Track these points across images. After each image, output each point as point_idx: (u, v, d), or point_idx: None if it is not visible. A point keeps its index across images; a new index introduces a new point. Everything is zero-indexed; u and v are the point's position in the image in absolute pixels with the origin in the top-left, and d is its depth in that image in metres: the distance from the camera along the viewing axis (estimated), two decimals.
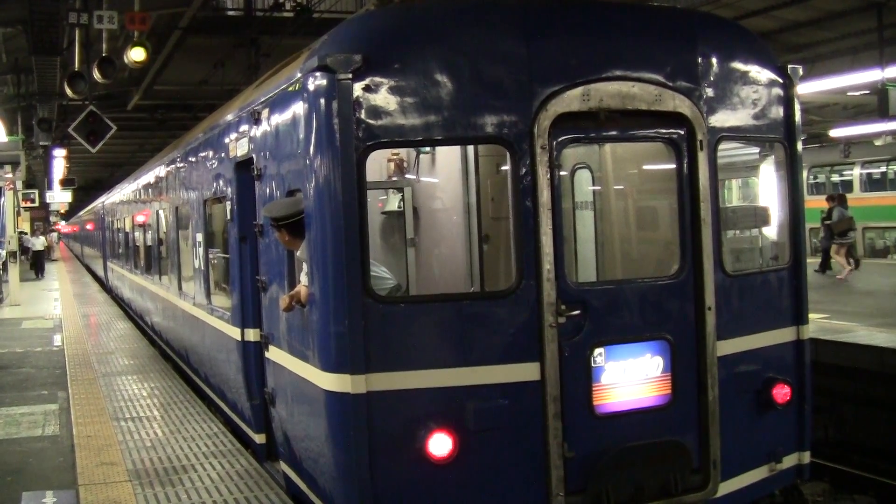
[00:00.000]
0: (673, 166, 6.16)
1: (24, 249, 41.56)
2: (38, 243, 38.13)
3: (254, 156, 7.28)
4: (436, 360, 5.60)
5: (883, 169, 30.00)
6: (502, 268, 7.21)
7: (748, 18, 17.81)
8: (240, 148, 7.79)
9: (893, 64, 18.43)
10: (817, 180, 31.84)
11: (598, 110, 5.77)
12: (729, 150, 6.86)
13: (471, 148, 7.55)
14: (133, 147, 38.17)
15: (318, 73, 5.57)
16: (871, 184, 29.86)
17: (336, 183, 5.47)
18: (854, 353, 11.63)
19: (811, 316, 7.09)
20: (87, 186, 55.31)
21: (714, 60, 6.28)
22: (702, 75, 6.18)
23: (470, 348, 5.64)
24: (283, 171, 6.51)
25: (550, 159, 5.67)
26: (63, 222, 75.17)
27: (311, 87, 5.70)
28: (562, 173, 6.06)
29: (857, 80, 19.80)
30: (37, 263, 37.33)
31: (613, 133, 6.12)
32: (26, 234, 41.29)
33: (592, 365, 5.78)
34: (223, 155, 8.54)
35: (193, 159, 10.42)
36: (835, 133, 26.80)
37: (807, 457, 6.78)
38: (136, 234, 17.45)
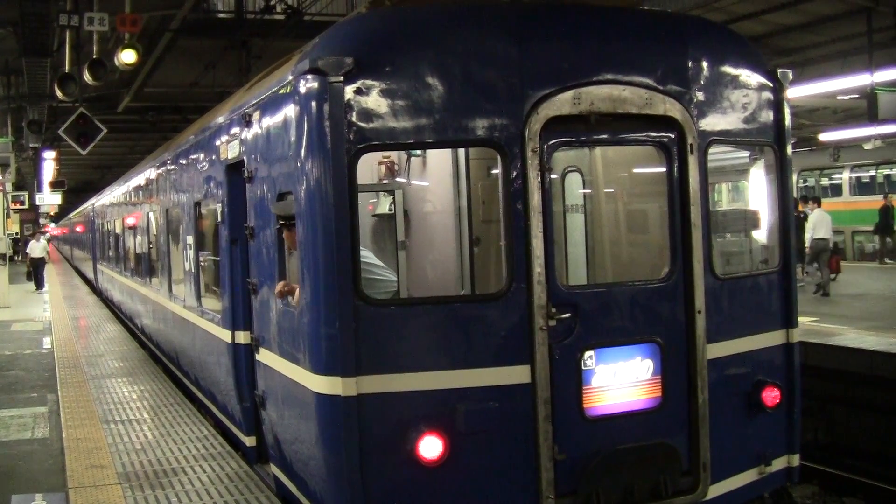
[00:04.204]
0: (663, 170, 6.18)
1: (17, 253, 40.30)
2: (38, 248, 31.49)
3: (245, 158, 7.27)
4: (426, 363, 5.60)
5: (872, 173, 30.15)
6: (493, 271, 7.22)
7: (738, 22, 17.92)
8: (230, 150, 7.78)
9: (883, 68, 18.55)
10: (807, 184, 31.97)
11: (588, 114, 5.78)
12: (719, 154, 6.89)
13: (462, 151, 7.56)
14: (123, 149, 38.10)
15: (309, 76, 5.57)
16: (860, 187, 30.03)
17: (327, 185, 5.47)
18: None
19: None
20: (77, 188, 55.16)
21: (704, 64, 6.30)
22: (692, 79, 6.19)
23: (460, 351, 5.65)
24: (274, 174, 6.50)
25: (541, 162, 5.67)
26: (53, 224, 74.88)
27: (302, 89, 5.70)
28: (552, 176, 6.08)
29: (846, 84, 19.91)
30: (35, 272, 31.31)
31: (604, 136, 6.12)
32: (13, 234, 39.42)
33: (583, 367, 5.78)
34: (214, 157, 8.52)
35: (184, 162, 10.39)
36: (824, 137, 26.91)
37: (796, 459, 6.79)
38: (127, 236, 17.40)
